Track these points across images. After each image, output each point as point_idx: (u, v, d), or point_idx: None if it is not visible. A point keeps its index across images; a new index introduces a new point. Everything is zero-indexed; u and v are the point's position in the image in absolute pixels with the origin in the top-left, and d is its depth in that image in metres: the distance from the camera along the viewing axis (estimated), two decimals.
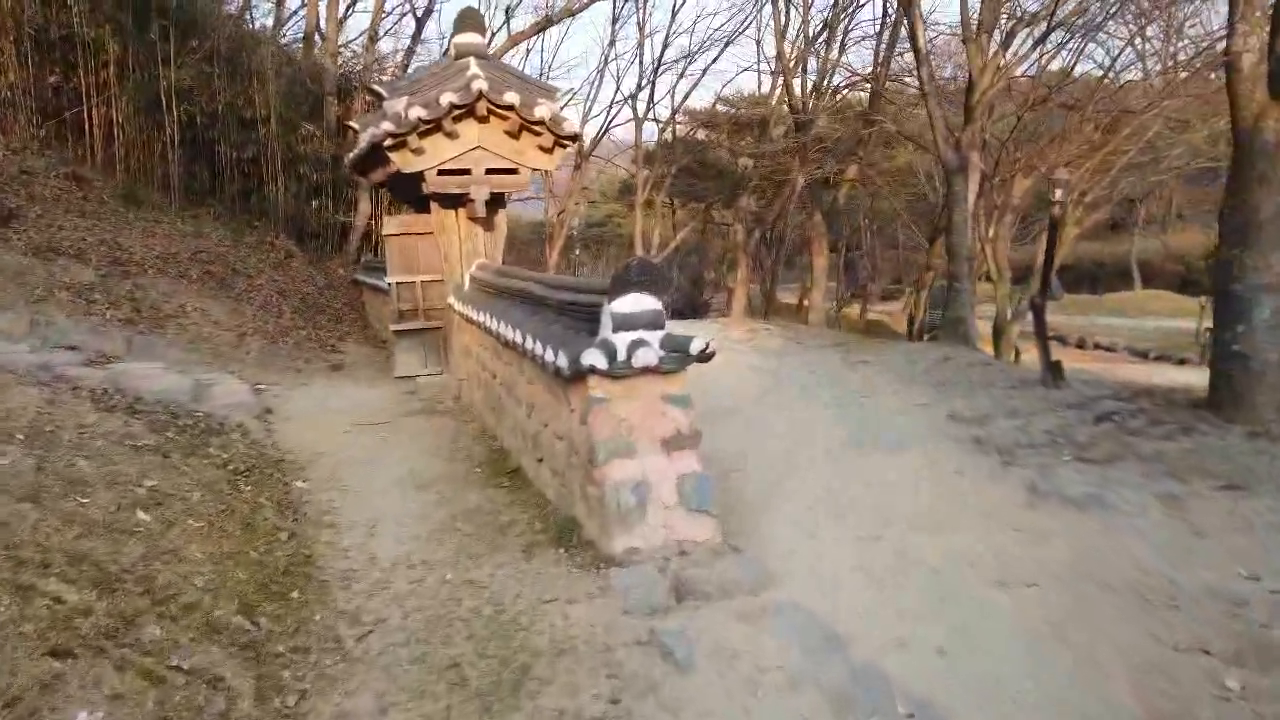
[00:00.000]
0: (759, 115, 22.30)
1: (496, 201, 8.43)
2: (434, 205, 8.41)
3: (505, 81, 7.92)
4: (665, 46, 25.50)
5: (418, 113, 7.47)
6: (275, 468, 5.84)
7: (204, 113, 15.80)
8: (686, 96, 24.17)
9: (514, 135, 7.97)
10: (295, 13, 22.81)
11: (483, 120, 7.85)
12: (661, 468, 4.50)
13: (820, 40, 19.12)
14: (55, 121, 14.59)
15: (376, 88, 7.86)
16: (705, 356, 4.67)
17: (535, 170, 8.25)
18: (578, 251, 32.56)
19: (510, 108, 7.69)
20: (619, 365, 4.40)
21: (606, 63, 25.82)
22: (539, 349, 5.00)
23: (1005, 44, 13.38)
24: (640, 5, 24.18)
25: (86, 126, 14.95)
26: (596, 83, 26.02)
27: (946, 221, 13.79)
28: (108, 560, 3.51)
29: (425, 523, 5.07)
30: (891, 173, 22.56)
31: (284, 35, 22.28)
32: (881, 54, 17.96)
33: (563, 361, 4.54)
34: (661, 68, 22.80)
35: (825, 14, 19.22)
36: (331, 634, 3.63)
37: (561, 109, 8.60)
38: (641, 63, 24.78)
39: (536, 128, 7.90)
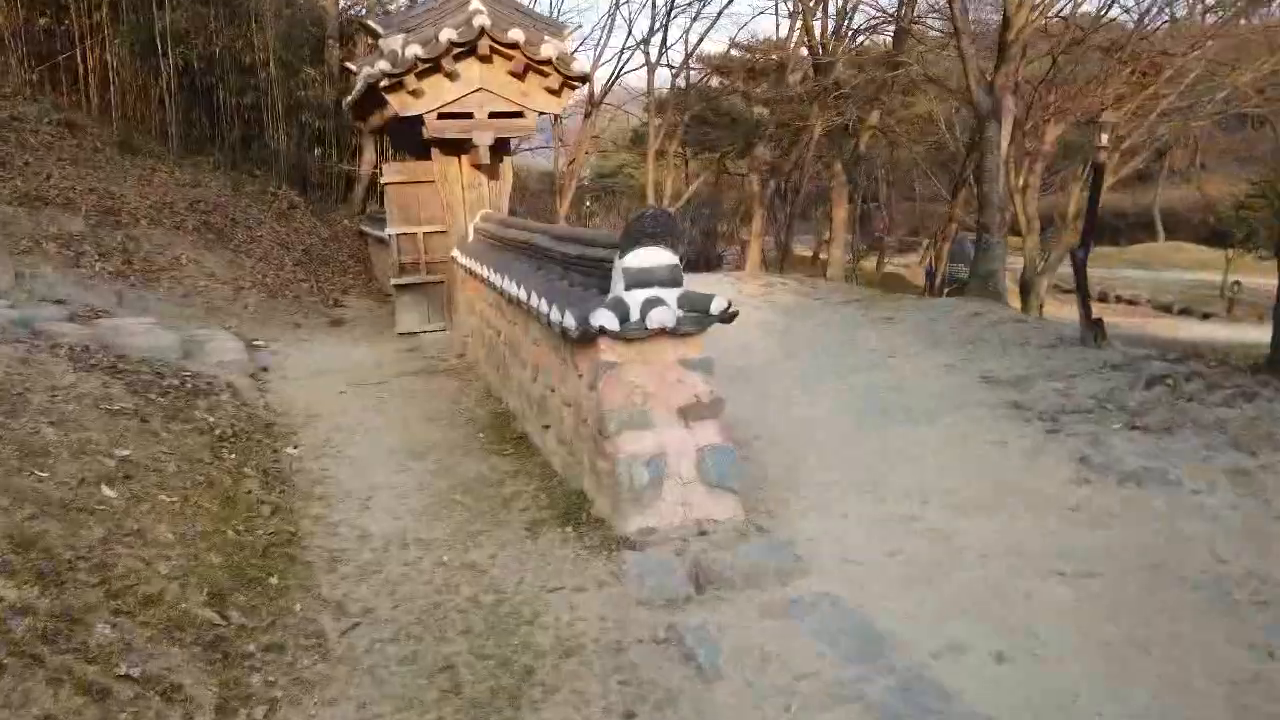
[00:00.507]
0: (776, 60, 21.43)
1: (501, 147, 7.94)
2: (435, 152, 7.92)
3: (510, 18, 7.37)
4: None
5: (415, 51, 6.95)
6: (265, 432, 5.46)
7: (201, 57, 15.21)
8: (700, 40, 23.32)
9: (519, 76, 7.44)
10: None
11: (485, 60, 7.32)
12: (679, 439, 4.08)
13: None
14: (47, 66, 14.06)
15: (372, 23, 7.32)
16: (728, 316, 4.23)
17: (542, 114, 7.72)
18: (588, 203, 31.88)
19: (515, 46, 7.15)
20: (632, 327, 3.96)
21: (618, 6, 24.79)
22: (544, 307, 4.56)
23: None
24: None
25: (81, 71, 14.42)
26: (607, 27, 25.07)
27: (976, 169, 13.13)
28: (60, 546, 3.12)
29: (423, 494, 4.68)
30: (911, 120, 21.73)
31: None
32: None
33: (570, 322, 4.09)
34: (675, 10, 21.93)
35: None
36: (312, 628, 3.26)
37: (572, 50, 8.04)
38: (654, 6, 23.82)
39: (543, 68, 7.36)
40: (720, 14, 22.48)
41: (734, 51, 26.33)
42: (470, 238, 7.86)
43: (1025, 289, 15.21)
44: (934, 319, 9.67)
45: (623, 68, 24.71)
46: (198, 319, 8.50)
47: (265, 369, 7.44)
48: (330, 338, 9.19)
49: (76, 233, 8.77)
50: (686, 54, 22.79)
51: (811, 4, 18.05)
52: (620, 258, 4.09)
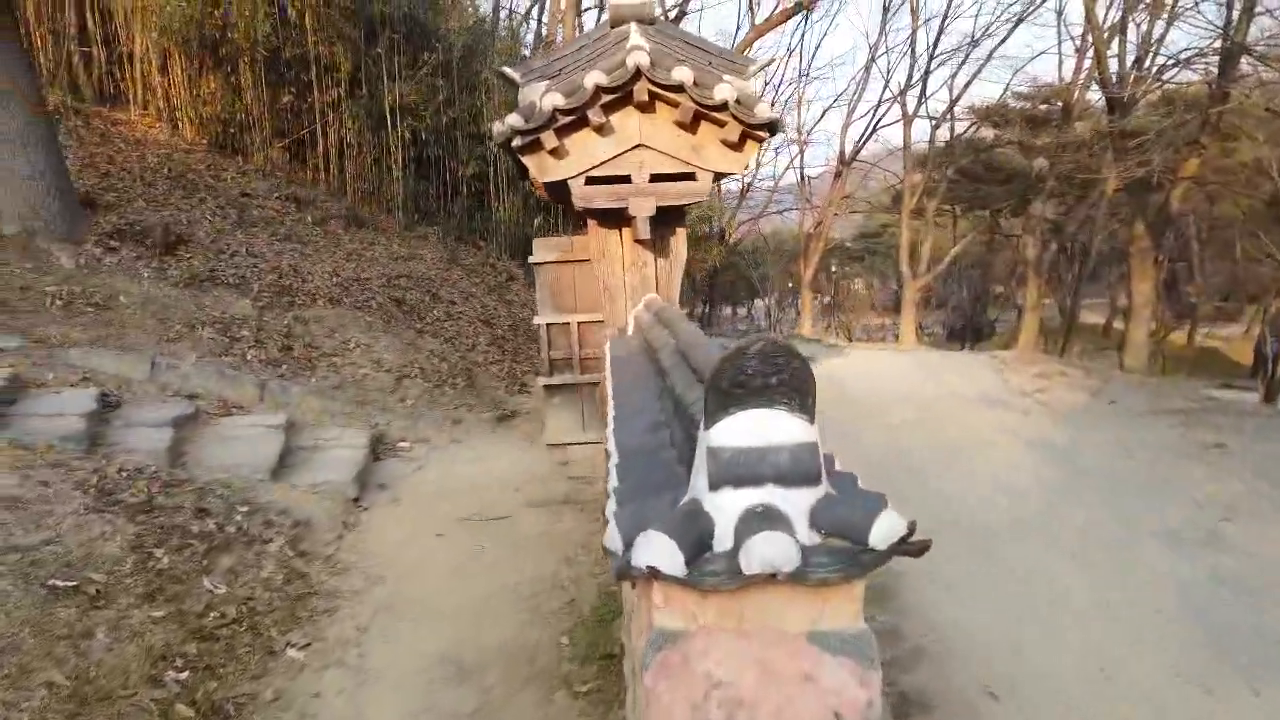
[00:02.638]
0: (1059, 105, 18.31)
1: (671, 217, 6.30)
2: (592, 224, 6.44)
3: (677, 53, 5.77)
4: (941, 32, 22.00)
5: (553, 101, 5.52)
6: (287, 611, 4.08)
7: (430, 129, 15.16)
8: (966, 88, 20.61)
9: (688, 127, 5.78)
10: (526, 17, 22.13)
11: (645, 108, 5.75)
12: None
13: (1144, 2, 15.01)
14: (287, 142, 14.52)
15: (509, 71, 6.00)
16: (909, 549, 2.19)
17: (720, 175, 5.98)
18: (835, 268, 29.65)
19: (679, 88, 5.50)
20: (712, 570, 2.06)
21: (874, 58, 22.70)
22: (607, 486, 2.78)
23: None
24: None
25: (321, 147, 14.81)
26: (863, 80, 23.09)
27: None
28: None
29: None
30: (1231, 170, 17.64)
31: (525, 46, 21.61)
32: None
33: (610, 540, 2.26)
34: (937, 58, 19.58)
35: None
36: None
37: (761, 91, 6.29)
38: (913, 54, 21.52)
39: (718, 115, 5.64)
40: (989, 58, 19.73)
41: (1012, 101, 23.25)
42: (630, 330, 6.26)
43: None
44: None
45: (878, 123, 22.59)
46: (343, 413, 7.55)
47: (382, 486, 6.23)
48: (485, 440, 7.93)
49: (240, 316, 8.21)
50: (950, 104, 20.24)
51: (1105, 33, 15.00)
52: (705, 428, 2.22)
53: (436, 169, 15.66)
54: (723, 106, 5.54)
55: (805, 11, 18.50)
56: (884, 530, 2.10)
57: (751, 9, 19.22)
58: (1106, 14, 15.16)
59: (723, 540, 2.10)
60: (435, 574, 4.73)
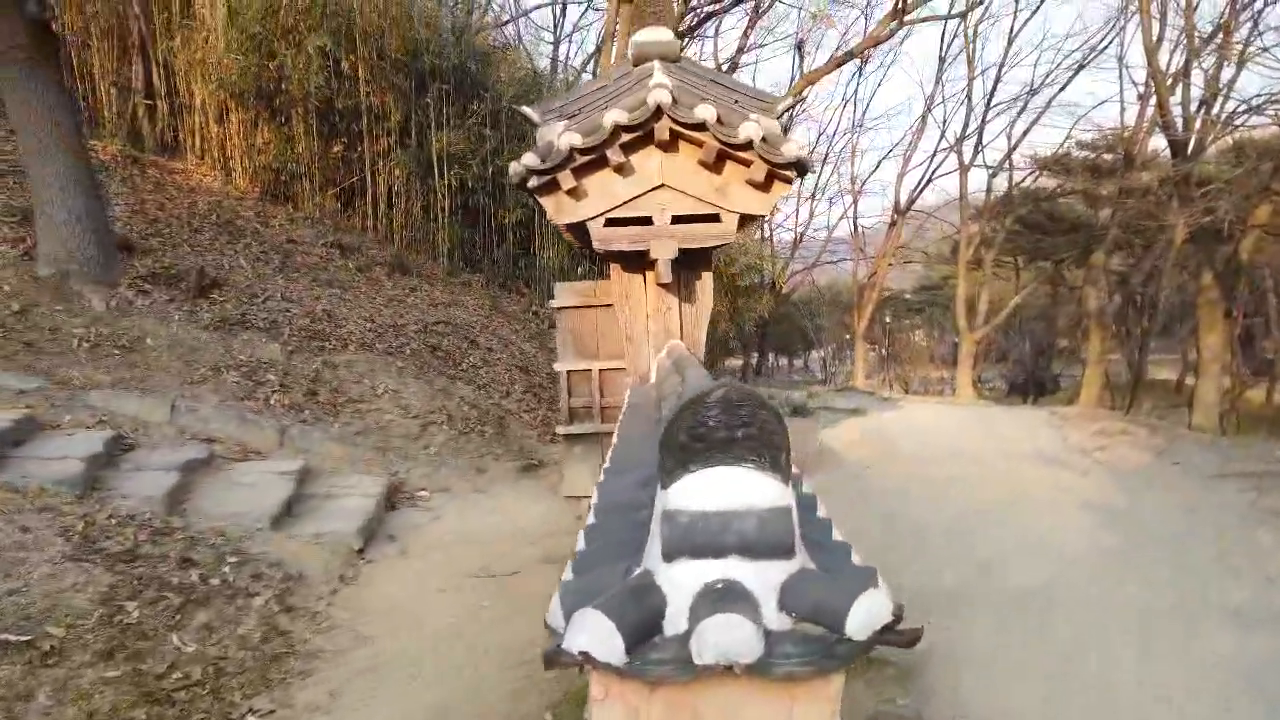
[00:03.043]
0: (1121, 151, 17.71)
1: (696, 261, 6.04)
2: (615, 267, 6.21)
3: (702, 90, 5.55)
4: (998, 81, 21.65)
5: (570, 140, 5.32)
6: (257, 672, 3.81)
7: (476, 176, 15.23)
8: (1024, 136, 20.10)
9: (712, 167, 5.54)
10: (582, 71, 22.35)
11: (666, 148, 5.52)
12: None
13: (1211, 46, 14.43)
14: (336, 191, 14.72)
15: (528, 111, 5.83)
16: (896, 638, 1.83)
17: (747, 217, 5.70)
18: (889, 319, 29.00)
19: (701, 126, 5.26)
20: (658, 658, 1.72)
21: (930, 108, 22.40)
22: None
23: None
24: (970, 37, 20.67)
25: (370, 195, 14.98)
26: (918, 130, 22.78)
27: None
28: None
29: None
30: None
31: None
32: None
33: (554, 621, 1.94)
34: (993, 107, 19.19)
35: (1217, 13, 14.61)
36: None
37: (787, 129, 6.01)
38: (969, 103, 21.14)
39: (743, 154, 5.38)
40: (1048, 105, 19.24)
41: (1076, 151, 22.63)
42: (653, 378, 5.96)
43: None
44: None
45: (934, 172, 22.20)
46: (363, 460, 7.38)
47: (392, 538, 5.98)
48: (509, 490, 7.67)
49: (267, 360, 8.14)
50: (1007, 152, 19.74)
51: (1169, 79, 14.45)
52: (662, 487, 1.91)
53: (483, 217, 15.70)
54: (747, 145, 5.29)
55: (857, 60, 18.35)
56: (864, 615, 1.78)
57: (800, 56, 19.18)
58: (1170, 58, 14.67)
59: (676, 621, 1.80)
60: (428, 633, 4.43)
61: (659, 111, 5.26)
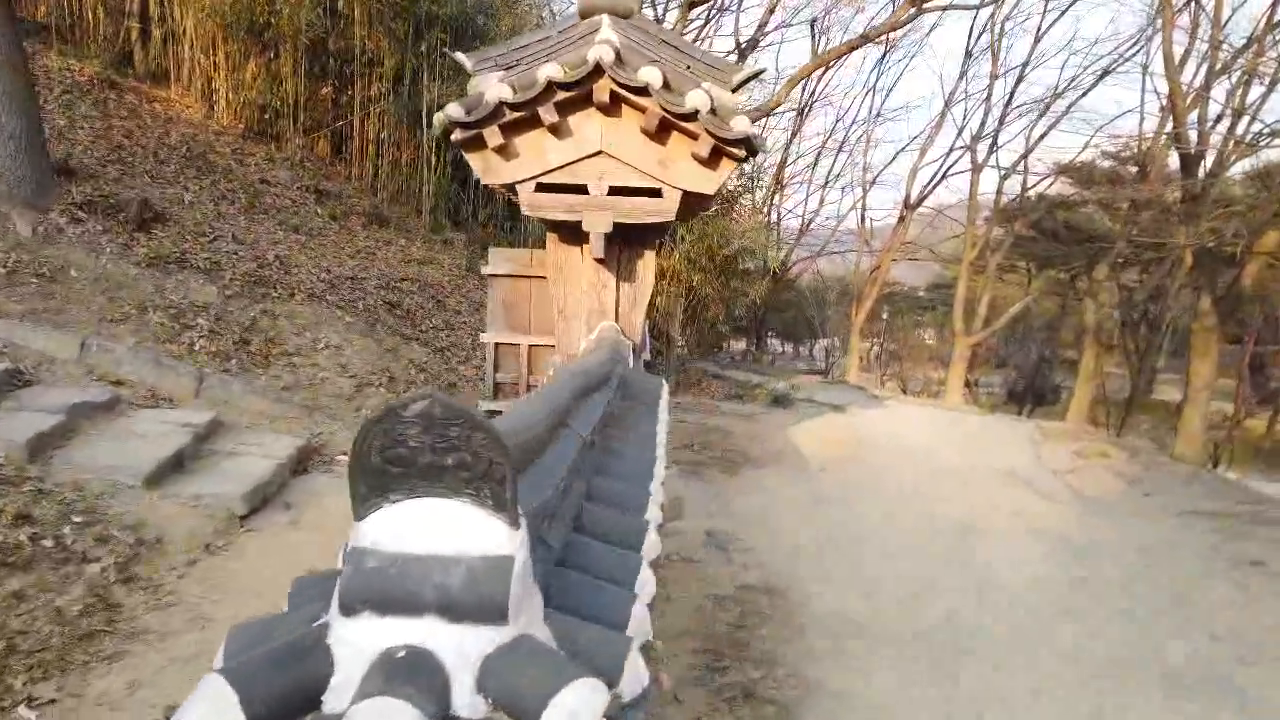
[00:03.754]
0: (1136, 160, 17.08)
1: (641, 238, 5.61)
2: (552, 237, 5.77)
3: (650, 52, 5.07)
4: (1019, 81, 20.91)
5: (498, 93, 4.88)
6: (59, 652, 3.43)
7: None
8: (1040, 140, 19.39)
9: (656, 137, 5.08)
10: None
11: (608, 111, 5.07)
12: None
13: (1240, 61, 13.74)
14: (322, 134, 14.26)
15: (462, 58, 5.35)
16: None
17: (693, 196, 5.24)
18: (888, 314, 28.40)
19: (644, 90, 4.79)
20: None
21: (950, 105, 21.66)
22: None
23: None
24: (996, 33, 19.92)
25: (357, 141, 14.53)
26: (937, 124, 22.05)
27: None
28: None
29: None
30: None
31: None
32: None
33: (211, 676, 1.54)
34: (1013, 108, 18.53)
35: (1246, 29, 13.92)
36: None
37: (743, 100, 5.54)
38: (989, 102, 20.44)
39: (689, 125, 4.91)
40: (1068, 110, 18.50)
41: (1100, 160, 21.90)
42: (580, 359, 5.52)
43: None
44: None
45: (947, 170, 21.52)
46: (285, 418, 6.98)
47: (288, 505, 5.61)
48: None
49: (200, 303, 7.74)
50: (1021, 155, 19.07)
51: (1189, 97, 13.77)
52: (355, 518, 1.48)
53: (472, 174, 15.20)
54: (693, 115, 4.81)
55: (877, 47, 17.73)
56: (564, 710, 1.33)
57: (814, 36, 18.53)
58: (1196, 72, 14.02)
59: (339, 695, 1.38)
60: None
61: (599, 70, 4.80)
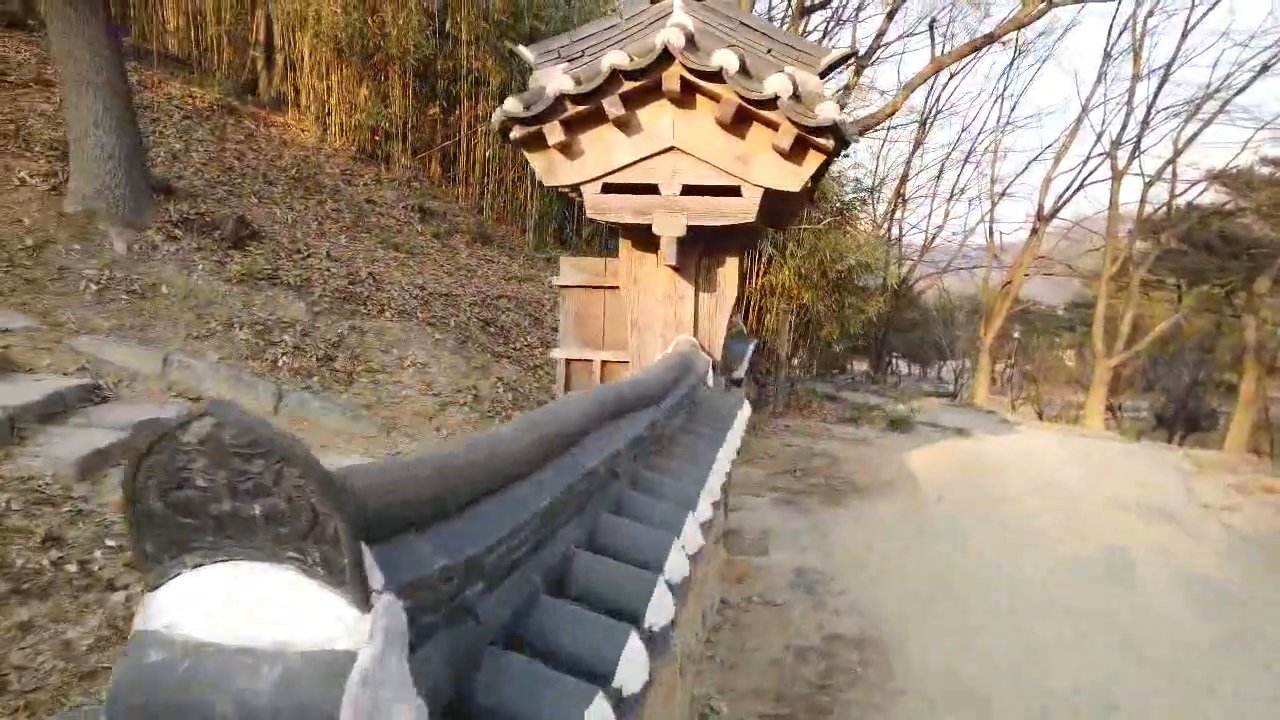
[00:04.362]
0: None
1: (723, 243, 5.11)
2: (624, 243, 5.32)
3: (727, 36, 4.57)
4: (1164, 80, 19.20)
5: (559, 86, 4.48)
6: None
7: None
8: (1189, 143, 17.67)
9: (733, 129, 4.57)
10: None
11: (680, 102, 4.60)
12: None
13: None
14: (430, 154, 14.38)
15: (524, 51, 4.98)
16: None
17: (777, 195, 4.68)
18: (1018, 334, 26.66)
19: (718, 76, 4.29)
20: None
21: (1087, 110, 19.97)
22: None
23: None
24: (1139, 32, 18.39)
25: (464, 161, 14.59)
26: (1072, 130, 20.51)
27: None
28: None
29: None
30: None
31: None
32: None
33: None
34: (1159, 110, 17.01)
35: None
36: None
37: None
38: (1130, 104, 18.87)
39: (769, 114, 4.38)
40: (1221, 110, 16.64)
41: (1254, 162, 19.89)
42: None
43: None
44: None
45: (1085, 179, 20.01)
46: (361, 437, 6.78)
47: None
48: None
49: (287, 320, 7.68)
50: (1168, 160, 17.46)
51: None
52: (145, 586, 1.03)
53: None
54: (772, 103, 4.27)
55: (1005, 50, 16.64)
56: None
57: (932, 38, 17.50)
58: None
59: None
60: None
61: (668, 55, 4.34)
